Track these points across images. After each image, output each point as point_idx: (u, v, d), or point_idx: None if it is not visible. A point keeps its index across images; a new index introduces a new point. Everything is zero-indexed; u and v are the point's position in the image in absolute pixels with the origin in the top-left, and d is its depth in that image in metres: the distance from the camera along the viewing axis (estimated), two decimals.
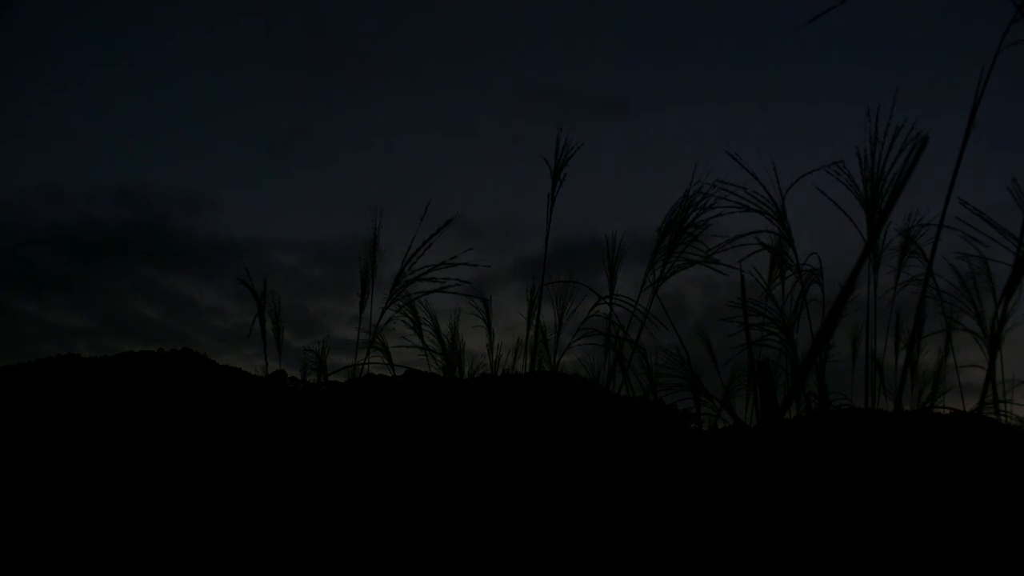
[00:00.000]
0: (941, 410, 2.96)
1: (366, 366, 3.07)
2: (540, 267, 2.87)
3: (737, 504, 1.96)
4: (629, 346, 2.65)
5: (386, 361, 3.33)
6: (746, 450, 2.25)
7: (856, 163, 2.13)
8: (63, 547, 1.96)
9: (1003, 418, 2.55)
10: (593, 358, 3.22)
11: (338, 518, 2.09)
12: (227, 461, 2.38)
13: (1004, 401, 2.62)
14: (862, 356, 2.75)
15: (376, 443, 2.52)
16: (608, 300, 2.74)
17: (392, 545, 1.99)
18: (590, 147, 2.78)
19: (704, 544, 1.90)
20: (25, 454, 2.26)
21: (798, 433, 2.42)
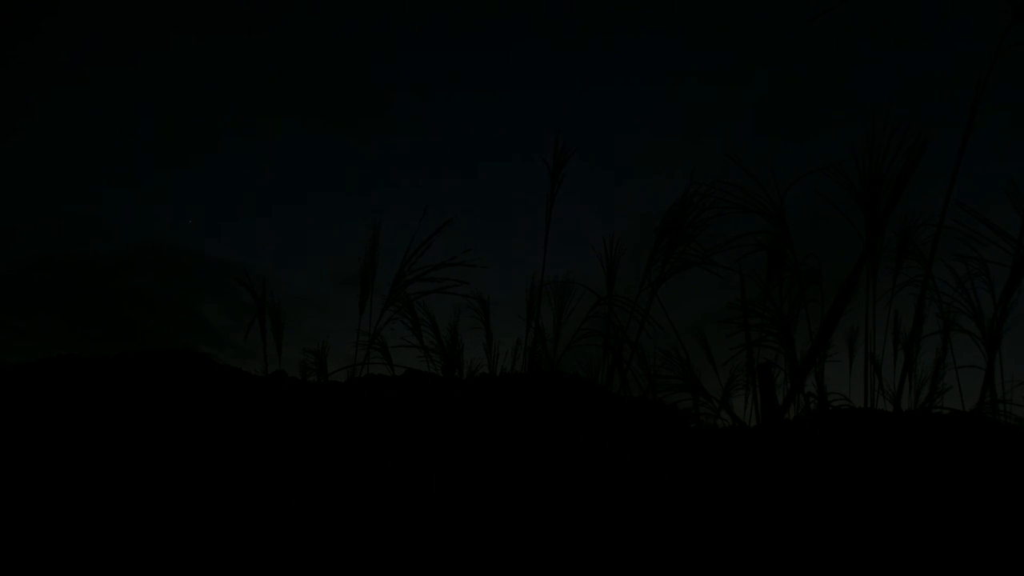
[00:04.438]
0: (940, 410, 2.96)
1: (366, 367, 3.08)
2: (539, 267, 2.88)
3: (739, 504, 1.96)
4: (628, 346, 2.65)
5: (385, 361, 3.34)
6: (747, 450, 2.25)
7: (854, 163, 2.14)
8: (65, 546, 1.97)
9: (1002, 418, 2.56)
10: (592, 359, 3.22)
11: (337, 517, 2.10)
12: (227, 457, 2.38)
13: (1003, 401, 2.62)
14: (860, 357, 2.76)
15: (375, 441, 2.53)
16: (607, 300, 2.74)
17: (391, 545, 2.00)
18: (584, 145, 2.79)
19: (705, 544, 1.90)
20: (25, 452, 2.27)
21: (799, 433, 2.43)
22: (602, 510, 2.06)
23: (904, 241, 2.45)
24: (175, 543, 2.02)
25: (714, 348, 2.98)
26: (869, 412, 2.48)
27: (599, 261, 2.88)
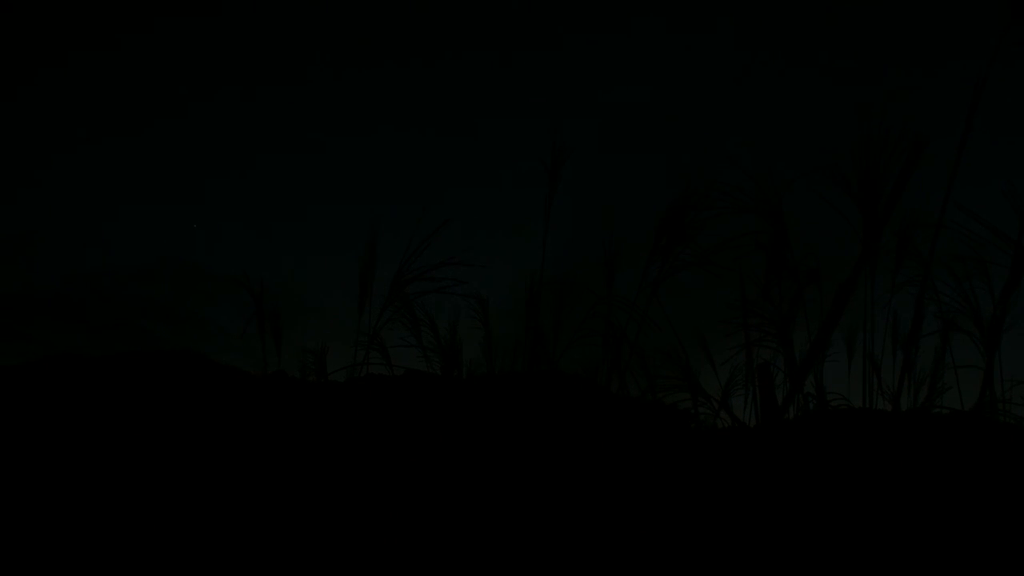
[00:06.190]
0: (940, 410, 2.96)
1: (365, 367, 3.08)
2: (539, 266, 2.88)
3: (739, 505, 1.97)
4: (627, 346, 2.65)
5: (385, 362, 3.33)
6: (748, 451, 2.25)
7: (852, 162, 2.13)
8: (64, 546, 1.97)
9: (1002, 417, 2.56)
10: (591, 358, 3.21)
11: (337, 517, 2.10)
12: (227, 455, 2.39)
13: (1002, 401, 2.62)
14: (859, 356, 2.76)
15: (375, 441, 2.53)
16: (606, 300, 2.75)
17: (391, 545, 2.00)
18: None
19: (705, 545, 1.90)
20: (22, 451, 2.27)
21: (799, 433, 2.43)
22: (602, 510, 2.07)
23: (903, 241, 2.45)
24: (175, 543, 2.02)
25: (713, 348, 2.99)
26: (868, 412, 2.47)
27: (598, 260, 2.88)
